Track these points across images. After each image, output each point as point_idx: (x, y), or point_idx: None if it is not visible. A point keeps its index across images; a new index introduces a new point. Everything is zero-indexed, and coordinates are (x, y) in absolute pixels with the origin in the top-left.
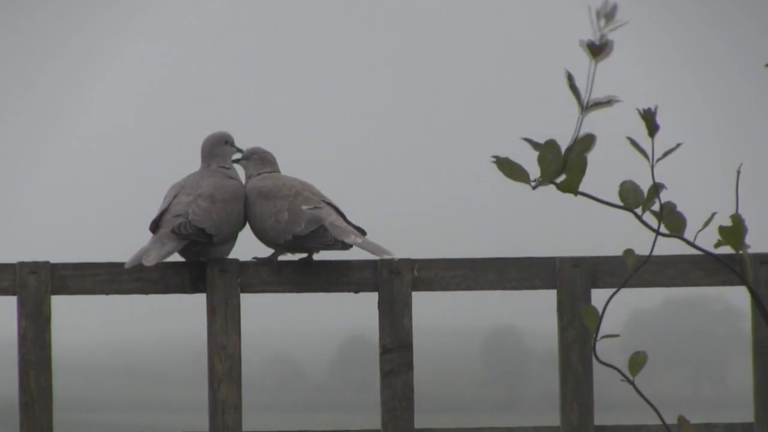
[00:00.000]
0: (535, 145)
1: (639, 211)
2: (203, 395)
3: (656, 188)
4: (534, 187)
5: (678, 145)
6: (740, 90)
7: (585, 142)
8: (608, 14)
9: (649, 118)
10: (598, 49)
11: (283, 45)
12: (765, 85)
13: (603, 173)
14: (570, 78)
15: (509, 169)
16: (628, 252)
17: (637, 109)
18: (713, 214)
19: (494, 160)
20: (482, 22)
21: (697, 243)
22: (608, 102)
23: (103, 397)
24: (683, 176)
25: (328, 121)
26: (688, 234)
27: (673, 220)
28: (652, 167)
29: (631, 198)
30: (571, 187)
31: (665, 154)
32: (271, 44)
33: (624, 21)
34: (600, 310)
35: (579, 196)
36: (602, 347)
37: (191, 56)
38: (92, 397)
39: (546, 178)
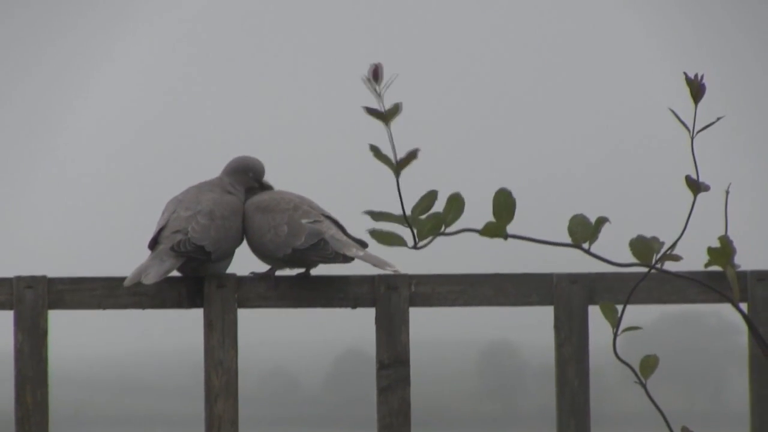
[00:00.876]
0: (376, 215)
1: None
2: (200, 410)
3: (700, 186)
4: (413, 248)
5: (718, 118)
6: (729, 106)
7: (426, 201)
8: (376, 76)
9: (694, 83)
10: (385, 114)
11: (278, 57)
12: (755, 102)
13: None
14: (375, 149)
15: (382, 237)
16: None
17: (684, 73)
18: (677, 239)
19: (370, 231)
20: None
21: (689, 262)
22: (413, 155)
23: (100, 411)
24: (677, 192)
25: (326, 133)
26: (684, 256)
27: (641, 248)
28: (692, 138)
29: (579, 232)
30: (497, 232)
31: (705, 127)
32: (266, 55)
33: (394, 75)
34: (618, 310)
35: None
36: (596, 361)
37: (190, 72)
38: (88, 411)
39: (422, 238)
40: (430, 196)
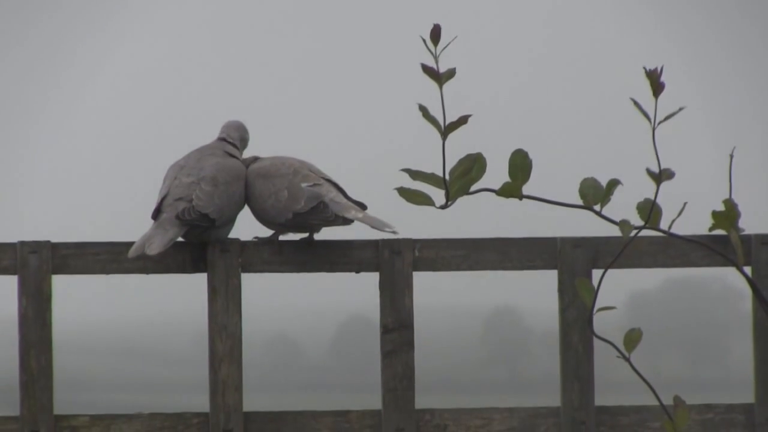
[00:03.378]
0: (413, 174)
1: (598, 207)
2: (204, 375)
3: (662, 175)
4: (441, 208)
5: (680, 108)
6: (734, 71)
7: (466, 163)
8: (435, 37)
9: (654, 78)
10: (440, 75)
11: (278, 35)
12: (759, 67)
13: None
14: (423, 109)
15: (410, 196)
16: (624, 222)
17: (644, 68)
18: (684, 204)
19: (398, 189)
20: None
21: (693, 226)
22: (463, 121)
23: (104, 377)
24: (681, 156)
25: (326, 100)
26: (689, 220)
27: (648, 211)
28: (654, 129)
29: (591, 195)
30: (513, 192)
31: (667, 117)
32: (266, 34)
33: (453, 37)
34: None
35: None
36: (600, 327)
37: (191, 43)
38: (93, 377)
39: (451, 198)
40: (470, 159)
